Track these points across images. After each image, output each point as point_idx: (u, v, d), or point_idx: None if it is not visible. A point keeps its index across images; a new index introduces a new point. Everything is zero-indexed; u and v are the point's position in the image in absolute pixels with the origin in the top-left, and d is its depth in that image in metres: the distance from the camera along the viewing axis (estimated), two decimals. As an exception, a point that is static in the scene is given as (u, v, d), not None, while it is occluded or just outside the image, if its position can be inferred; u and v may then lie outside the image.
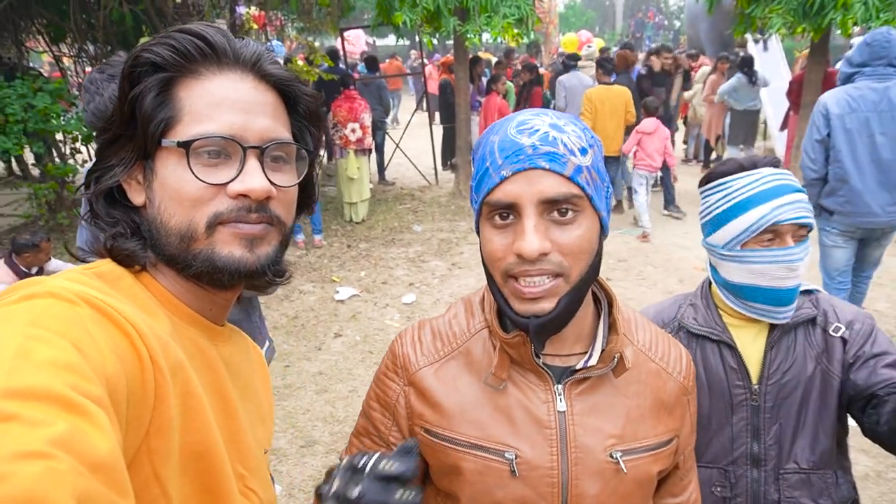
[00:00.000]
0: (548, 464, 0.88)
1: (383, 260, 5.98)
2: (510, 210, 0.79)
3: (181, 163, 0.66)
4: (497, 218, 0.80)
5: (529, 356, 0.88)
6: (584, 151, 0.79)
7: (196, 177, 0.65)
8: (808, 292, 1.35)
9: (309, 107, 0.77)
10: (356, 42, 14.98)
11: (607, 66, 6.64)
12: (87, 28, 6.27)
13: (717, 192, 1.30)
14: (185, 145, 0.65)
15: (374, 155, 8.19)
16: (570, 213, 0.78)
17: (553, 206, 0.77)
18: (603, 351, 0.88)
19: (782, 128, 8.59)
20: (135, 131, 0.68)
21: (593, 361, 0.88)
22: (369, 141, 6.85)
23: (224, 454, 0.67)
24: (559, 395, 0.89)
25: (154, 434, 0.58)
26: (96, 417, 0.47)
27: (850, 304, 1.36)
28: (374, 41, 20.07)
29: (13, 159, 8.36)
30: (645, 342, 0.97)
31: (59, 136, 6.36)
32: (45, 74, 6.52)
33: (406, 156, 9.00)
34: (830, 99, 3.34)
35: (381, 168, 9.06)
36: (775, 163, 1.28)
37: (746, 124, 8.45)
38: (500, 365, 0.89)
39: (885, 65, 3.24)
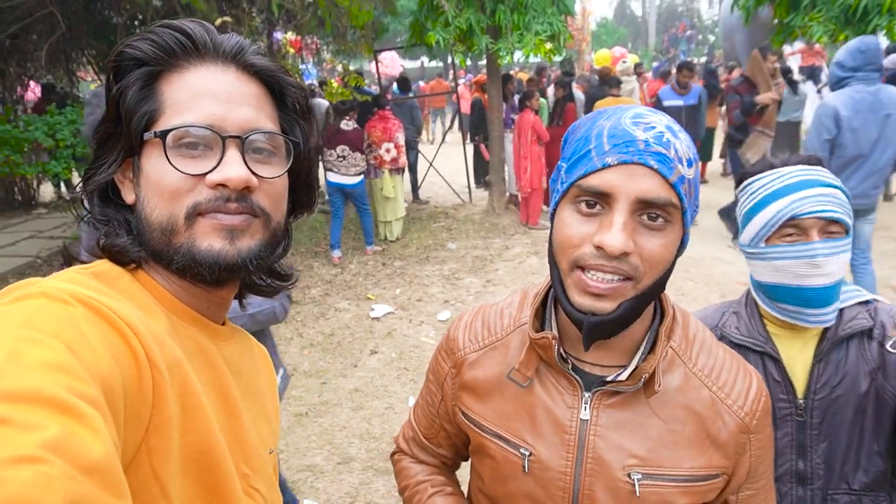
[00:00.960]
0: (561, 468, 0.87)
1: (418, 277, 5.98)
2: (601, 199, 0.75)
3: (162, 155, 0.66)
4: (584, 204, 0.77)
5: (555, 359, 0.86)
6: (689, 163, 0.77)
7: (174, 167, 0.65)
8: (866, 303, 1.27)
9: (297, 99, 0.76)
10: (391, 65, 15.23)
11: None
12: (132, 56, 6.54)
13: (747, 191, 1.27)
14: (162, 135, 0.65)
15: (407, 174, 8.26)
16: (660, 220, 0.75)
17: (646, 209, 0.74)
18: (636, 368, 0.84)
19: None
20: (122, 128, 0.68)
21: (623, 377, 0.84)
22: (403, 160, 6.91)
23: (226, 453, 0.66)
24: (586, 403, 0.87)
25: (153, 433, 0.57)
26: (90, 419, 0.46)
27: None
28: (404, 66, 20.40)
29: (62, 183, 8.71)
30: (704, 367, 0.89)
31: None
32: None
33: (440, 174, 9.04)
34: (839, 102, 3.69)
35: (415, 187, 9.12)
36: (811, 160, 1.23)
37: (788, 136, 8.25)
38: (525, 362, 0.89)
39: (873, 69, 3.66)
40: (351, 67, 8.92)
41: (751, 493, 0.93)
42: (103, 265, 0.68)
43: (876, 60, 3.66)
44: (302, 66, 8.34)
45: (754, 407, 0.89)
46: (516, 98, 8.82)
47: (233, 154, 0.66)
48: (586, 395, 0.87)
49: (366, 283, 5.92)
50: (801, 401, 1.24)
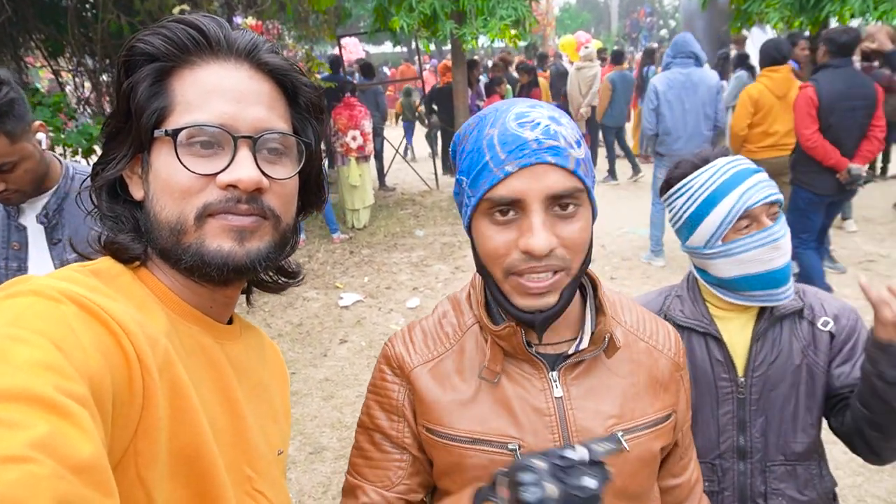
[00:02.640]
0: None
1: (386, 265, 5.96)
2: (513, 206, 0.77)
3: (172, 153, 0.64)
4: (497, 214, 0.78)
5: (522, 346, 0.87)
6: (578, 144, 0.79)
7: (185, 167, 0.64)
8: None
9: (310, 98, 0.75)
10: (354, 50, 15.01)
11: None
12: (85, 41, 6.28)
13: (681, 195, 1.30)
14: (173, 134, 0.64)
15: (373, 161, 8.20)
16: (571, 207, 0.78)
17: (556, 201, 0.77)
18: (593, 333, 0.88)
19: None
20: (132, 123, 0.67)
21: (584, 345, 0.88)
22: (370, 148, 6.85)
23: (217, 458, 0.64)
24: (555, 381, 0.89)
25: (141, 435, 0.56)
26: (79, 418, 0.45)
27: (836, 298, 1.35)
28: (367, 51, 20.13)
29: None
30: (632, 322, 0.98)
31: (59, 150, 6.36)
32: (43, 90, 6.55)
33: (406, 161, 8.99)
34: (659, 82, 5.02)
35: (382, 174, 9.06)
36: (726, 152, 1.28)
37: None
38: (493, 358, 0.89)
39: (685, 56, 4.91)
40: (315, 53, 8.77)
41: (687, 424, 1.03)
42: (104, 262, 0.67)
43: (685, 50, 4.91)
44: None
45: (678, 347, 1.00)
46: (482, 84, 8.83)
47: (244, 154, 0.65)
48: (553, 374, 0.89)
49: (334, 271, 5.87)
50: (741, 378, 1.30)
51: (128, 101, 0.66)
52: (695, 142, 4.89)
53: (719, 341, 1.31)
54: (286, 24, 8.05)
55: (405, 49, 21.61)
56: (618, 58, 9.12)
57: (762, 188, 1.20)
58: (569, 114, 4.36)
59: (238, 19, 7.01)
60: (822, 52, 4.21)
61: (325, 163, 6.45)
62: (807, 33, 6.44)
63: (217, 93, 0.66)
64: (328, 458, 3.15)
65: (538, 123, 0.77)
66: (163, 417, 0.58)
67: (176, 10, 4.89)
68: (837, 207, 4.49)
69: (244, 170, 0.65)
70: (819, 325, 1.28)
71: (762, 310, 1.30)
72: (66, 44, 6.41)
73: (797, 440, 1.29)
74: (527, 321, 0.81)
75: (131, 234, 0.69)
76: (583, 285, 0.95)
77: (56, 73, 6.90)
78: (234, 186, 0.65)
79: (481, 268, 0.84)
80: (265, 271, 0.73)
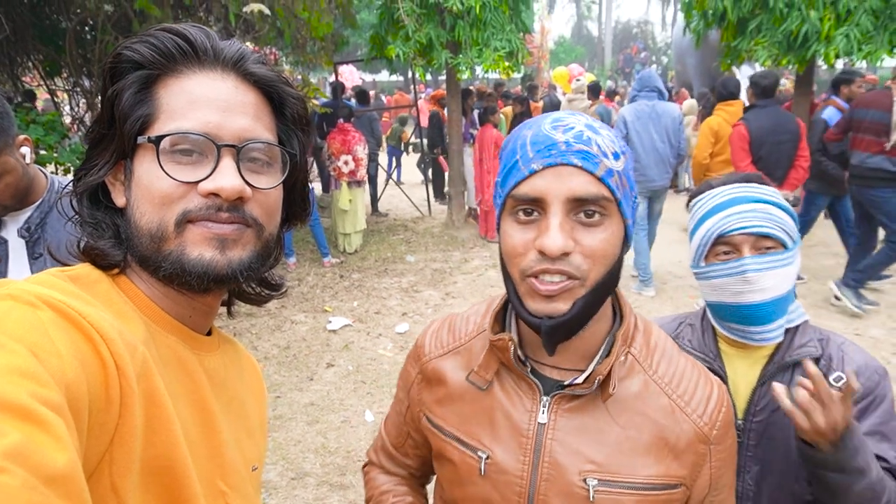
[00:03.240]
0: (517, 472, 0.87)
1: (376, 290, 5.94)
2: (536, 206, 0.77)
3: (155, 160, 0.64)
4: (521, 213, 0.78)
5: (511, 361, 0.86)
6: (616, 156, 0.78)
7: (167, 174, 0.64)
8: (818, 330, 1.24)
9: (296, 110, 0.75)
10: (350, 77, 15.21)
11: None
12: (82, 62, 6.33)
13: (691, 213, 1.30)
14: (156, 141, 0.64)
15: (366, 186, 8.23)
16: (596, 216, 0.76)
17: (580, 206, 0.75)
18: (593, 371, 0.84)
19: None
20: (116, 130, 0.67)
21: (580, 380, 0.84)
22: (362, 173, 6.89)
23: (191, 470, 0.63)
24: (544, 407, 0.87)
25: (117, 444, 0.55)
26: (53, 426, 0.44)
27: (864, 353, 1.21)
28: (363, 79, 20.39)
29: None
30: (665, 374, 0.88)
31: (50, 168, 6.36)
32: (38, 110, 6.58)
33: (399, 187, 9.03)
34: (627, 112, 5.44)
35: (374, 199, 9.09)
36: (750, 178, 1.24)
37: None
38: (484, 364, 0.91)
39: (650, 90, 5.37)
40: (312, 80, 8.87)
41: None
42: (83, 269, 0.66)
43: (650, 84, 5.43)
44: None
45: (714, 417, 0.87)
46: (476, 113, 8.94)
47: (227, 163, 0.65)
48: (545, 398, 0.87)
49: (323, 295, 5.84)
50: (739, 421, 1.23)
51: (112, 108, 0.66)
52: (661, 167, 5.34)
53: (721, 378, 1.23)
54: (284, 51, 8.16)
55: (402, 77, 21.90)
56: (610, 94, 9.30)
57: (748, 217, 1.15)
58: None
59: (236, 44, 7.08)
60: (749, 94, 4.91)
61: (319, 187, 6.48)
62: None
63: (202, 102, 0.66)
64: (310, 485, 3.08)
65: (571, 127, 0.77)
66: (138, 426, 0.57)
67: (174, 34, 4.96)
68: None
69: (226, 178, 0.65)
70: (832, 380, 1.11)
71: (774, 353, 1.22)
72: (63, 64, 6.45)
73: (791, 493, 1.20)
74: (534, 325, 0.79)
75: (111, 241, 0.68)
76: (615, 320, 0.91)
77: (52, 92, 6.94)
78: (215, 195, 0.64)
79: (503, 268, 0.84)
80: (247, 281, 0.72)
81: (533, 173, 0.76)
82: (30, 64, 6.88)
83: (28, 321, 0.51)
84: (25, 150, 1.56)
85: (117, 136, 0.67)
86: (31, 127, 5.58)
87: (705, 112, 8.92)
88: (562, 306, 0.77)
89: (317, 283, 6.18)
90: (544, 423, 0.86)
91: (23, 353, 0.47)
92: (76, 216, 0.71)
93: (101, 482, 0.54)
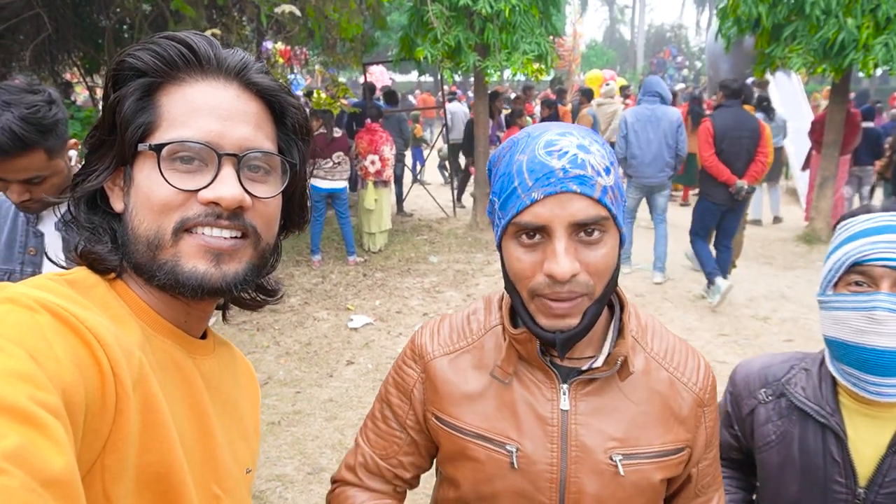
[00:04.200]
0: (547, 459, 0.91)
1: (398, 290, 5.99)
2: (538, 231, 0.81)
3: (155, 168, 0.64)
4: (524, 237, 0.82)
5: (535, 353, 0.90)
6: (607, 171, 0.81)
7: (167, 181, 0.64)
8: None
9: (297, 119, 0.75)
10: (380, 78, 15.32)
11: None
12: (120, 60, 6.53)
13: (835, 234, 1.14)
14: (157, 148, 0.64)
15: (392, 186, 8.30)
16: (596, 234, 0.80)
17: (581, 228, 0.80)
18: (609, 354, 0.90)
19: (804, 167, 8.52)
20: (116, 136, 0.67)
21: (598, 363, 0.90)
22: (388, 173, 6.95)
23: (186, 477, 0.63)
24: (564, 394, 0.91)
25: (110, 450, 0.55)
26: (51, 430, 0.45)
27: None
28: (393, 79, 20.51)
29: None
30: (660, 350, 0.97)
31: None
32: (74, 101, 6.78)
33: (425, 188, 9.07)
34: (628, 115, 5.95)
35: (400, 199, 9.15)
36: None
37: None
38: (506, 359, 0.93)
39: (651, 95, 5.86)
40: (342, 79, 8.98)
41: (706, 463, 1.01)
42: (80, 273, 0.66)
43: (651, 90, 5.88)
44: (290, 76, 8.38)
45: (706, 382, 0.97)
46: (503, 115, 8.94)
47: (227, 172, 0.65)
48: (563, 386, 0.92)
49: (346, 293, 5.91)
50: (861, 489, 1.06)
51: (113, 114, 0.67)
52: (657, 165, 5.79)
53: (840, 440, 1.07)
54: (314, 51, 8.26)
55: (430, 78, 21.97)
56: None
57: (894, 249, 0.98)
58: None
59: (268, 44, 7.22)
60: (719, 96, 5.65)
61: (347, 186, 6.48)
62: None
63: (204, 110, 0.66)
64: (326, 480, 3.13)
65: (566, 152, 0.79)
66: (133, 432, 0.57)
67: (208, 33, 5.07)
68: (734, 217, 5.46)
69: (226, 187, 0.65)
70: None
71: None
72: (101, 62, 6.64)
73: None
74: (548, 340, 0.84)
75: (108, 246, 0.68)
76: (612, 303, 0.98)
77: (91, 89, 7.15)
78: (216, 204, 0.65)
79: (510, 285, 0.88)
80: (240, 293, 0.72)
81: (534, 202, 0.79)
82: (70, 61, 7.09)
83: (26, 325, 0.51)
84: (73, 152, 1.64)
85: (118, 142, 0.67)
86: (70, 122, 5.77)
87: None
88: (572, 321, 0.82)
89: (340, 280, 6.25)
90: (567, 410, 0.91)
91: (21, 357, 0.47)
92: (73, 220, 0.71)
93: (92, 487, 0.54)
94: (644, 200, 6.07)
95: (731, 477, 1.34)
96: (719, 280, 5.24)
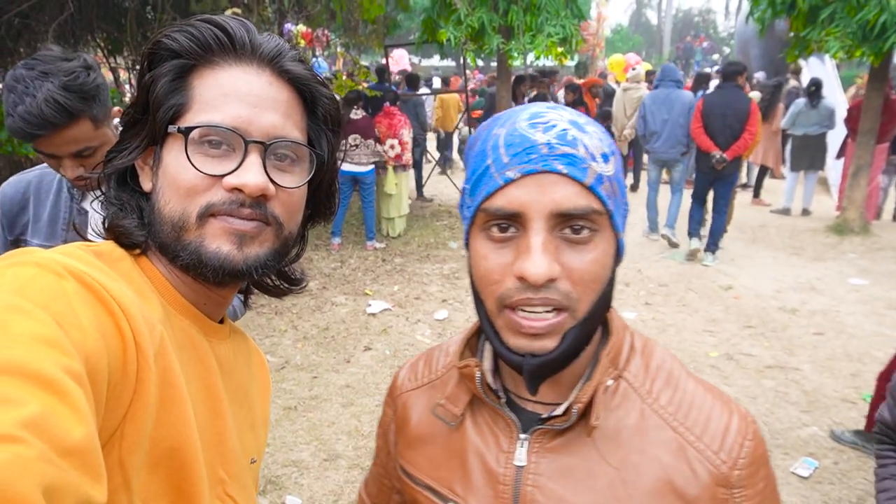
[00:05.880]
0: None
1: (417, 275, 5.94)
2: (512, 221, 0.64)
3: (182, 151, 0.65)
4: (495, 229, 0.65)
5: (478, 389, 0.73)
6: (605, 158, 0.65)
7: (193, 165, 0.65)
8: None
9: (328, 110, 0.74)
10: (400, 61, 15.20)
11: None
12: (142, 41, 6.51)
13: None
14: (185, 132, 0.65)
15: (412, 171, 8.23)
16: (585, 232, 0.63)
17: (566, 222, 0.63)
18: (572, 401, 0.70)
19: (839, 155, 8.26)
20: (148, 116, 0.68)
21: (560, 411, 0.69)
22: (408, 157, 6.89)
23: (199, 454, 0.63)
24: (521, 446, 0.73)
25: (129, 419, 0.55)
26: (73, 397, 0.45)
27: None
28: (419, 60, 20.35)
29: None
30: (669, 403, 0.72)
31: (110, 144, 6.57)
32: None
33: (446, 174, 8.99)
34: (647, 97, 6.84)
35: (420, 184, 9.08)
36: None
37: (811, 149, 8.16)
38: (452, 397, 0.78)
39: (668, 80, 6.64)
40: (364, 63, 8.90)
41: None
42: (106, 246, 0.68)
43: (669, 77, 6.67)
44: (312, 60, 8.33)
45: (735, 452, 0.69)
46: (526, 99, 8.79)
47: (253, 159, 0.66)
48: (523, 436, 0.73)
49: (364, 278, 5.88)
50: None
51: (147, 94, 0.67)
52: (670, 142, 6.51)
53: None
54: (336, 33, 8.19)
55: (453, 63, 21.78)
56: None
57: None
58: (612, 135, 4.36)
59: (289, 25, 7.16)
60: (719, 76, 6.62)
61: (374, 170, 6.44)
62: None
63: (235, 95, 0.66)
64: (342, 467, 3.10)
65: (553, 125, 0.64)
66: (152, 403, 0.57)
67: (229, 13, 5.03)
68: (723, 184, 6.03)
69: (251, 174, 0.65)
70: None
71: None
72: (124, 42, 6.65)
73: None
74: (515, 363, 0.66)
75: (135, 222, 0.69)
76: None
77: (114, 70, 7.17)
78: (239, 190, 0.65)
79: (475, 294, 0.70)
80: (261, 277, 0.72)
81: (509, 182, 0.63)
82: (94, 42, 7.11)
83: (53, 290, 0.51)
84: (117, 120, 1.61)
85: (150, 122, 0.67)
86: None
87: (765, 104, 8.52)
88: (549, 343, 0.64)
89: (359, 265, 6.22)
90: (522, 466, 0.72)
91: (47, 321, 0.48)
92: (102, 195, 0.72)
93: (110, 456, 0.54)
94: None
95: None
96: (694, 241, 6.21)
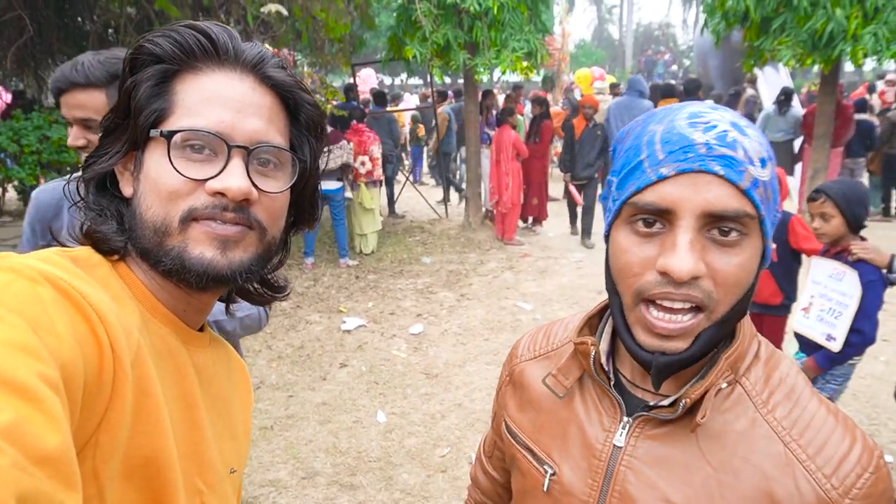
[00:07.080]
0: (583, 495, 0.76)
1: (391, 291, 5.93)
2: (660, 217, 0.64)
3: (165, 155, 0.65)
4: (641, 223, 0.66)
5: (591, 370, 0.76)
6: (763, 163, 0.65)
7: (176, 169, 0.64)
8: None
9: (310, 116, 0.75)
10: (367, 80, 15.27)
11: None
12: (105, 64, 6.45)
13: None
14: (168, 136, 0.64)
15: (384, 187, 8.24)
16: (733, 234, 0.63)
17: (716, 223, 0.63)
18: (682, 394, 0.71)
19: (796, 160, 8.53)
20: (130, 121, 0.68)
21: (667, 402, 0.71)
22: (379, 173, 6.90)
23: (175, 464, 0.62)
24: (623, 428, 0.75)
25: (104, 428, 0.54)
26: (48, 405, 0.44)
27: None
28: (382, 80, 20.47)
29: (27, 190, 8.50)
30: (785, 417, 0.70)
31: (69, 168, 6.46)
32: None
33: (416, 189, 9.02)
34: (612, 105, 7.88)
35: (392, 201, 9.09)
36: None
37: (779, 154, 8.40)
38: (563, 369, 0.80)
39: (633, 90, 7.70)
40: (335, 83, 8.92)
41: None
42: (83, 251, 0.66)
43: (634, 87, 7.76)
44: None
45: (851, 482, 0.65)
46: (494, 114, 8.90)
47: (236, 164, 0.66)
48: (626, 419, 0.75)
49: (338, 295, 5.84)
50: None
51: (129, 99, 0.67)
52: None
53: None
54: (302, 52, 8.21)
55: (420, 81, 21.96)
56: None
57: None
58: None
59: (255, 46, 7.16)
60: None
61: (343, 187, 6.44)
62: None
63: (218, 100, 0.66)
64: (321, 484, 3.06)
65: (713, 126, 0.63)
66: (128, 412, 0.56)
67: (193, 34, 5.02)
68: None
69: (234, 179, 0.65)
70: None
71: None
72: (86, 65, 6.56)
73: None
74: (643, 360, 0.67)
75: (114, 227, 0.69)
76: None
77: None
78: (222, 194, 0.65)
79: (611, 286, 0.71)
80: (245, 282, 0.72)
81: (662, 179, 0.64)
82: (54, 65, 7.00)
83: (28, 296, 0.50)
84: None
85: (131, 127, 0.67)
86: (55, 126, 5.68)
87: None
88: (680, 344, 0.65)
89: (332, 283, 6.18)
90: (620, 447, 0.74)
91: (22, 328, 0.47)
92: (80, 201, 0.71)
93: (84, 465, 0.53)
94: None
95: None
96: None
